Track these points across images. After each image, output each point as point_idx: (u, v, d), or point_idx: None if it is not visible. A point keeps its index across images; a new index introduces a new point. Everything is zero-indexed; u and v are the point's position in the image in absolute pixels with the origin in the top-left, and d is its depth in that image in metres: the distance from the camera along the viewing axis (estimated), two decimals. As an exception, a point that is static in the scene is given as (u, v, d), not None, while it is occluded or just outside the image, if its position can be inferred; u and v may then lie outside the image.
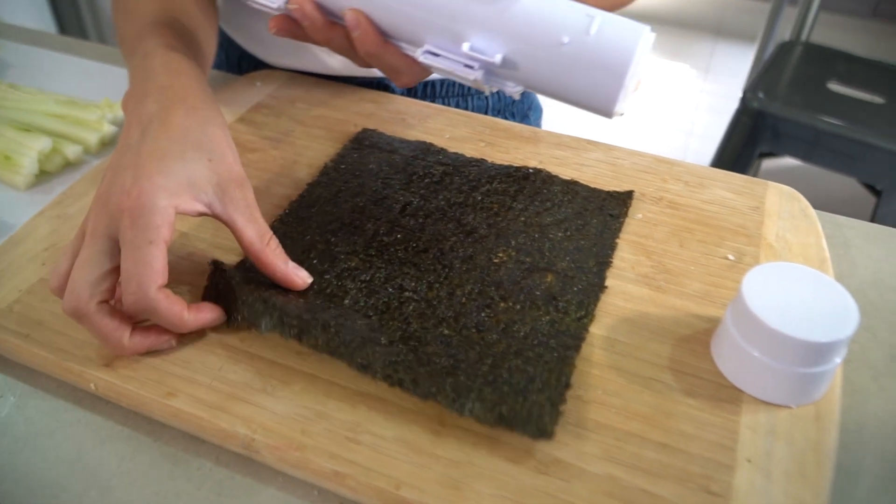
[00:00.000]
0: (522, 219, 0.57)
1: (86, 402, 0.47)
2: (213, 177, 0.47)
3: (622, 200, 0.59)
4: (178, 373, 0.45)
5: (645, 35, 0.43)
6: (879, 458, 0.45)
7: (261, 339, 0.47)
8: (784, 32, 2.07)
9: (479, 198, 0.59)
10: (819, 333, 0.42)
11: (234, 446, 0.43)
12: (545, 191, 0.59)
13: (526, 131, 0.68)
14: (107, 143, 0.68)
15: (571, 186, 0.60)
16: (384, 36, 0.49)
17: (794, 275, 0.46)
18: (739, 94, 2.26)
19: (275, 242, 0.49)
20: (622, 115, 0.45)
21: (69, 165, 0.65)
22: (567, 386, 0.44)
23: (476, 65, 0.46)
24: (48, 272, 0.51)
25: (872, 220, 1.49)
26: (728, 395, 0.45)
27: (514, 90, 0.47)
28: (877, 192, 1.45)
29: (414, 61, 0.49)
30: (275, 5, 0.50)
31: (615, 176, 0.62)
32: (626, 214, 0.58)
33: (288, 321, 0.46)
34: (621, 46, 0.42)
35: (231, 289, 0.48)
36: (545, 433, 0.41)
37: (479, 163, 0.63)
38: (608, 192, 0.60)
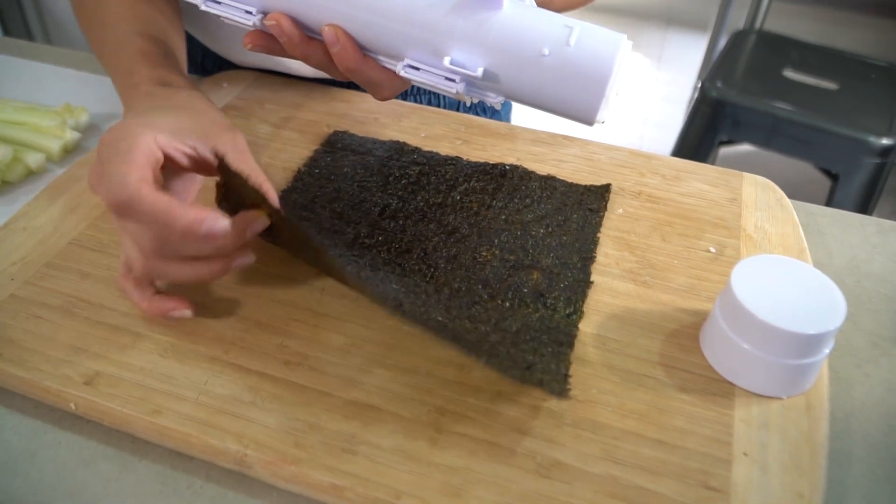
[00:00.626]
0: (503, 216, 0.56)
1: (66, 423, 0.45)
2: (197, 126, 0.49)
3: (600, 194, 0.59)
4: (163, 388, 0.44)
5: (623, 43, 0.43)
6: (868, 445, 0.46)
7: (246, 351, 0.46)
8: (736, 21, 2.10)
9: (458, 197, 0.58)
10: (809, 325, 0.42)
11: (226, 462, 0.41)
12: (523, 187, 0.59)
13: (502, 128, 0.67)
14: (69, 151, 0.66)
15: (549, 182, 0.60)
16: (363, 50, 0.48)
17: (780, 267, 0.46)
18: (693, 83, 2.29)
19: (268, 185, 0.50)
20: (603, 122, 0.45)
21: (32, 174, 0.63)
22: (567, 375, 0.44)
23: (457, 78, 0.45)
24: (17, 288, 0.50)
25: (828, 204, 1.53)
26: (720, 389, 0.45)
27: (495, 100, 0.47)
28: (833, 177, 1.48)
29: (394, 75, 0.48)
30: (249, 22, 0.49)
31: (593, 171, 0.62)
32: (605, 209, 0.58)
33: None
34: (601, 56, 0.43)
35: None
36: (563, 391, 0.40)
37: (454, 161, 0.62)
38: (586, 187, 0.60)
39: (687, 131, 1.56)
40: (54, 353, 0.46)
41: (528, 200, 0.58)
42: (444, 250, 0.53)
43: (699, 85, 1.57)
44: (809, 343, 0.43)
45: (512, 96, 0.46)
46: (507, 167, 0.61)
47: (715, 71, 1.56)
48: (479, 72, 0.44)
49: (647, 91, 2.69)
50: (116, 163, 0.43)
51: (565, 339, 0.47)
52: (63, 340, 0.46)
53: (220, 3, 0.49)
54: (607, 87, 0.43)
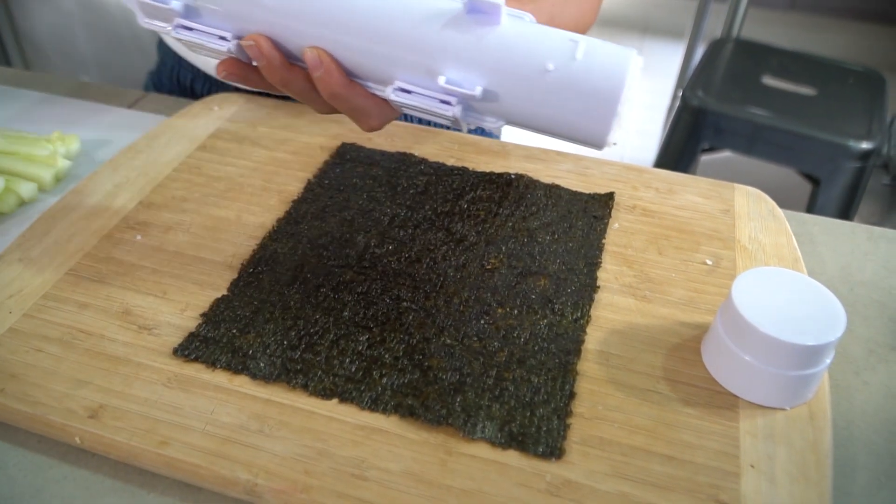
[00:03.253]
0: (510, 224, 0.57)
1: (71, 457, 0.44)
2: None
3: (604, 202, 0.61)
4: (169, 419, 0.44)
5: (634, 58, 0.40)
6: (871, 452, 0.46)
7: (251, 377, 0.46)
8: (712, 28, 2.12)
9: (465, 205, 0.59)
10: (810, 336, 0.43)
11: (236, 493, 0.41)
12: (529, 195, 0.60)
13: (494, 145, 0.68)
14: (61, 179, 0.65)
15: (554, 190, 0.61)
16: (350, 75, 0.44)
17: (780, 279, 0.47)
18: (671, 90, 2.31)
19: None
20: (615, 144, 0.42)
21: (24, 204, 0.62)
22: (571, 395, 0.45)
23: (454, 100, 0.41)
24: (16, 321, 0.49)
25: (810, 208, 1.55)
26: (724, 402, 0.45)
27: (495, 125, 0.43)
28: (815, 182, 1.50)
29: (383, 101, 0.45)
30: (224, 48, 0.44)
31: (587, 186, 0.63)
32: (609, 216, 0.59)
33: (292, 366, 0.46)
34: (611, 70, 0.39)
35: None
36: (555, 451, 0.42)
37: (461, 171, 0.63)
38: (590, 195, 0.61)
39: (669, 140, 1.57)
40: (57, 386, 0.45)
41: (533, 208, 0.59)
42: (453, 258, 0.54)
43: (680, 94, 1.59)
44: (811, 354, 0.43)
45: (514, 119, 0.42)
46: (513, 175, 0.63)
47: (695, 80, 1.58)
48: (478, 91, 0.40)
49: (626, 99, 2.71)
50: None
51: (573, 346, 0.48)
52: (65, 373, 0.46)
53: (191, 29, 0.44)
54: (619, 104, 0.39)
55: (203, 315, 0.50)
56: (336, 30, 0.42)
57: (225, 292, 0.51)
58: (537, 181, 0.62)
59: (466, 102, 0.42)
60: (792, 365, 0.44)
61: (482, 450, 0.42)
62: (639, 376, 0.47)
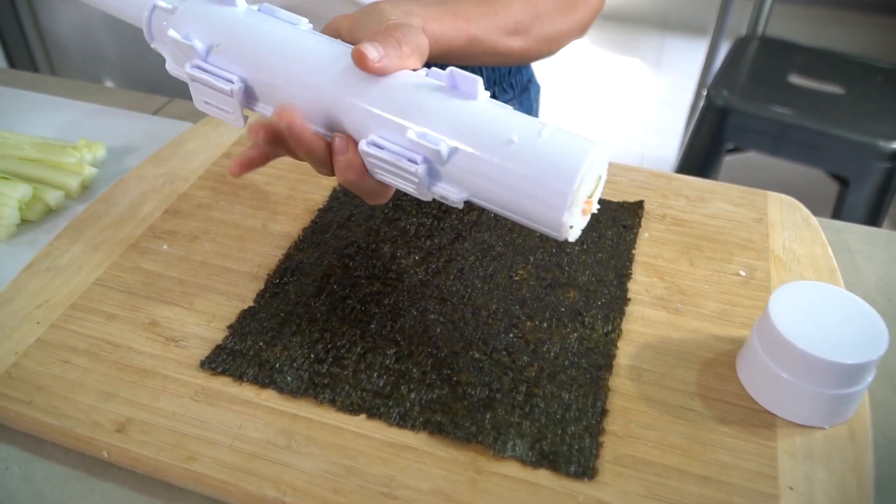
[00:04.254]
0: (538, 234, 0.56)
1: (98, 470, 0.44)
2: None
3: (633, 211, 0.59)
4: (196, 434, 0.43)
5: (598, 148, 0.39)
6: (913, 472, 0.45)
7: (278, 392, 0.45)
8: (736, 25, 2.09)
9: (492, 214, 0.58)
10: (851, 355, 0.42)
11: (264, 510, 0.41)
12: None
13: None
14: (87, 187, 0.65)
15: None
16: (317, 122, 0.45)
17: (819, 294, 0.45)
18: (693, 88, 2.28)
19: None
20: (574, 231, 0.41)
21: (51, 212, 0.63)
22: (603, 412, 0.44)
23: (419, 158, 0.41)
24: (44, 332, 0.49)
25: (837, 210, 1.52)
26: (761, 420, 0.44)
27: (457, 196, 0.42)
28: (844, 182, 1.48)
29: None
30: (228, 88, 0.45)
31: (615, 194, 0.62)
32: (639, 225, 0.58)
33: (319, 381, 0.46)
34: (572, 153, 0.39)
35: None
36: (588, 471, 0.41)
37: None
38: (618, 203, 0.60)
39: (693, 140, 1.55)
40: (84, 399, 0.45)
41: None
42: (480, 269, 0.54)
43: (705, 93, 1.57)
44: (852, 373, 0.42)
45: (475, 191, 0.42)
46: None
47: (719, 78, 1.55)
48: (443, 147, 0.40)
49: (646, 96, 2.69)
50: None
51: (604, 361, 0.47)
52: (92, 385, 0.46)
53: (205, 70, 0.46)
54: (575, 182, 0.38)
55: (230, 327, 0.49)
56: (316, 90, 0.44)
57: (251, 304, 0.51)
58: None
59: (431, 164, 0.42)
60: (832, 384, 0.42)
61: (512, 468, 0.41)
62: (672, 392, 0.46)
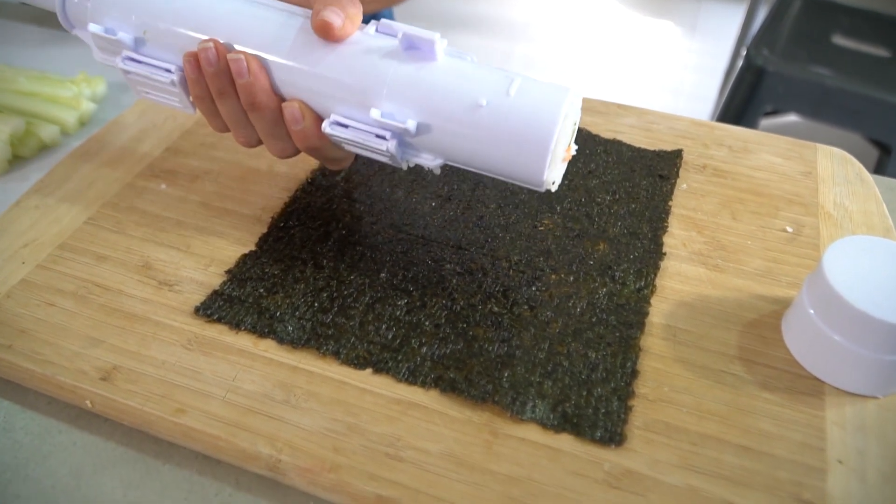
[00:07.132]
0: (566, 181, 0.52)
1: (82, 422, 0.41)
2: None
3: (671, 160, 0.55)
4: (187, 384, 0.40)
5: (570, 96, 0.38)
6: (977, 450, 0.40)
7: (278, 341, 0.42)
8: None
9: None
10: (913, 316, 0.37)
11: (258, 468, 0.37)
12: (587, 151, 0.55)
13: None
14: (85, 123, 0.62)
15: (615, 146, 0.56)
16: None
17: (877, 249, 0.41)
18: (729, 53, 2.20)
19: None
20: (554, 184, 0.40)
21: (45, 148, 0.59)
22: (633, 374, 0.40)
23: (388, 134, 0.40)
24: (29, 272, 0.46)
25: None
26: (808, 387, 0.40)
27: (432, 163, 0.41)
28: (884, 149, 1.41)
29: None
30: (168, 79, 0.42)
31: (652, 143, 0.57)
32: (676, 175, 0.54)
33: (323, 331, 0.42)
34: (544, 108, 0.37)
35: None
36: (615, 437, 0.37)
37: None
38: (655, 152, 0.56)
39: (730, 101, 1.49)
40: (68, 344, 0.42)
41: (592, 165, 0.54)
42: (502, 217, 0.50)
43: (744, 53, 1.50)
44: (914, 337, 0.37)
45: (451, 156, 0.40)
46: None
47: (759, 38, 1.48)
48: (411, 125, 0.39)
49: (679, 61, 2.60)
50: None
51: (635, 319, 0.43)
52: (78, 330, 0.42)
53: (138, 62, 0.43)
54: (551, 142, 0.37)
55: (228, 272, 0.46)
56: (287, 70, 0.41)
57: (253, 248, 0.47)
58: (597, 136, 0.57)
59: (401, 137, 0.40)
60: (889, 348, 0.38)
61: (532, 432, 0.37)
62: (710, 355, 0.41)
